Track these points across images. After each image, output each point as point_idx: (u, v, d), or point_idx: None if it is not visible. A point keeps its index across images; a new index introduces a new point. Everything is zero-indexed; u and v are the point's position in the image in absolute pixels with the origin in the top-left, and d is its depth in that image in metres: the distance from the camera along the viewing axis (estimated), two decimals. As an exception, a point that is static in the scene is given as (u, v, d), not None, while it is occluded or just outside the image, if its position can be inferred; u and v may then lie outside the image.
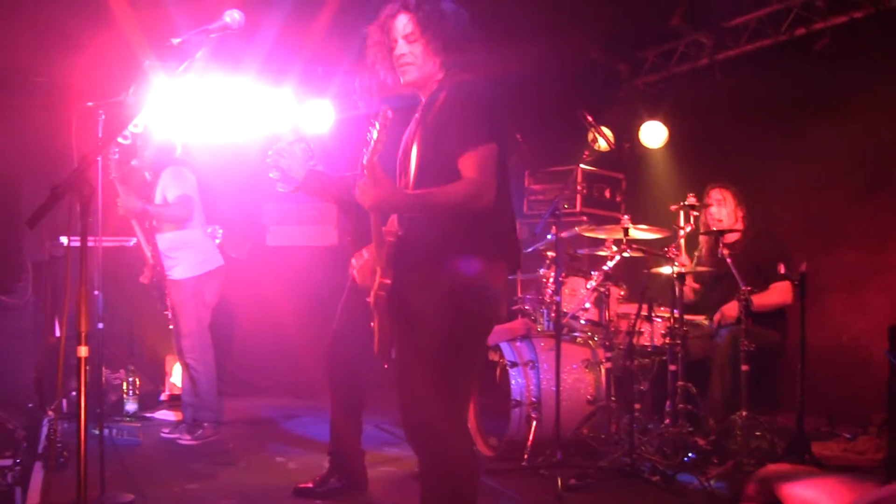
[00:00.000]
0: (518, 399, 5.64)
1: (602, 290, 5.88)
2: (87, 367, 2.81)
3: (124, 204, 6.04)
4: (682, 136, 8.05)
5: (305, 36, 6.99)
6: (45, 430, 5.49)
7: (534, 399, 5.65)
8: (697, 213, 5.96)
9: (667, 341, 5.56)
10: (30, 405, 6.03)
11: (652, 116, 8.15)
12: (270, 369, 8.60)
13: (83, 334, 2.73)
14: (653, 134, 8.12)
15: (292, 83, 7.90)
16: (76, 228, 2.90)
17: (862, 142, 6.73)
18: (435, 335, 3.15)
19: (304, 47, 7.31)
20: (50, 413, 6.02)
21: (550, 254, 6.07)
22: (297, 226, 9.10)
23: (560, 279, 5.63)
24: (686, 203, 5.79)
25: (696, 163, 7.77)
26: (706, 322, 6.12)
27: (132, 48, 6.25)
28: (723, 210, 6.19)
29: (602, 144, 6.01)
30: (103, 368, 6.26)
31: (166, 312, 6.38)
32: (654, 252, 5.76)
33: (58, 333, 7.51)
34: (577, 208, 7.97)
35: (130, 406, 7.18)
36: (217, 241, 6.69)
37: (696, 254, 6.43)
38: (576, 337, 6.16)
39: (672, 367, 5.52)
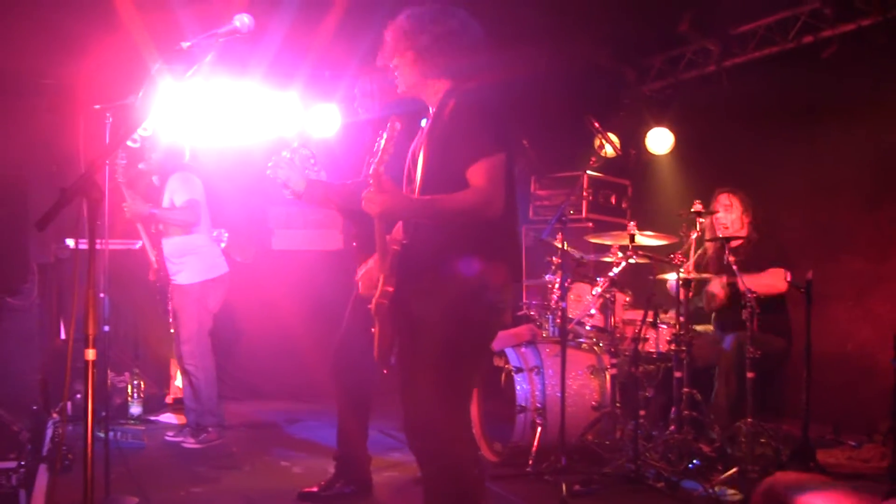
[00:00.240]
0: (523, 405, 5.64)
1: (608, 296, 5.87)
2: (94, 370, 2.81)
3: (131, 207, 6.04)
4: (689, 142, 8.05)
5: (312, 40, 6.99)
6: (49, 432, 5.50)
7: (538, 405, 5.64)
8: (704, 220, 5.96)
9: (672, 348, 5.55)
10: (34, 407, 6.03)
11: (658, 123, 8.16)
12: (274, 373, 8.59)
13: (91, 337, 2.72)
14: (659, 140, 8.12)
15: (299, 87, 7.91)
16: (83, 231, 2.90)
17: (869, 149, 6.72)
18: (438, 342, 3.16)
19: (310, 51, 7.31)
20: (55, 415, 6.04)
21: (556, 260, 6.06)
22: (302, 230, 9.11)
23: (566, 285, 5.62)
24: (692, 210, 5.78)
25: (703, 169, 7.77)
26: (712, 331, 6.11)
27: (139, 51, 6.25)
28: (730, 216, 6.18)
29: (608, 150, 6.00)
30: (108, 371, 6.27)
31: (169, 319, 6.38)
32: (660, 258, 5.76)
33: (63, 335, 7.52)
34: (583, 214, 7.96)
35: (135, 409, 7.18)
36: (222, 244, 6.69)
37: (699, 258, 6.42)
38: (581, 343, 6.15)
39: (677, 374, 5.51)
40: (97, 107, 4.75)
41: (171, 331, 6.38)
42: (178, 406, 7.40)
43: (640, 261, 5.76)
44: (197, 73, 3.27)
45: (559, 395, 5.39)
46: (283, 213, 9.06)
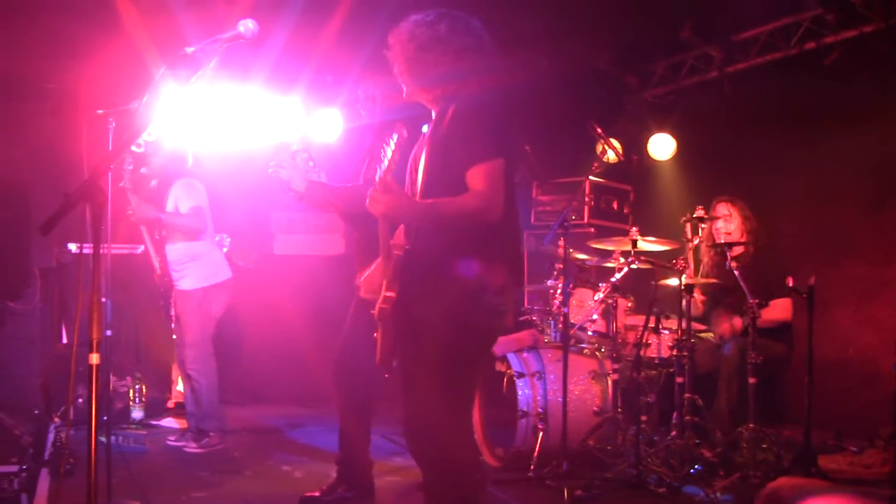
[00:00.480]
0: (525, 410, 5.63)
1: (610, 301, 5.87)
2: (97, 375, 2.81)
3: (137, 212, 6.05)
4: (691, 148, 8.04)
5: (314, 45, 7.00)
6: (51, 436, 5.50)
7: (540, 410, 5.64)
8: (705, 226, 5.96)
9: (674, 353, 5.56)
10: (36, 411, 6.04)
11: (660, 128, 8.15)
12: (276, 377, 8.58)
13: (95, 342, 2.72)
14: (661, 146, 8.12)
15: (301, 92, 7.92)
16: (86, 235, 2.90)
17: (871, 155, 6.72)
18: (440, 347, 3.17)
19: (312, 56, 7.33)
20: (56, 419, 6.04)
21: (558, 265, 6.07)
22: (304, 235, 9.11)
23: (568, 290, 5.63)
24: (694, 215, 5.79)
25: (705, 175, 7.77)
26: (712, 338, 6.11)
27: (143, 56, 6.27)
28: (729, 225, 6.20)
29: (611, 156, 6.03)
30: (110, 375, 6.27)
31: (171, 324, 6.38)
32: (662, 264, 5.76)
33: (65, 340, 7.52)
34: (585, 220, 7.97)
35: (137, 413, 7.17)
36: (225, 249, 6.69)
37: (700, 265, 6.43)
38: (583, 348, 6.15)
39: (679, 379, 5.51)
40: (100, 112, 4.75)
41: (174, 336, 6.38)
42: (179, 410, 7.40)
43: (643, 266, 5.76)
44: (200, 78, 3.28)
45: (561, 400, 5.40)
46: (285, 217, 9.07)
